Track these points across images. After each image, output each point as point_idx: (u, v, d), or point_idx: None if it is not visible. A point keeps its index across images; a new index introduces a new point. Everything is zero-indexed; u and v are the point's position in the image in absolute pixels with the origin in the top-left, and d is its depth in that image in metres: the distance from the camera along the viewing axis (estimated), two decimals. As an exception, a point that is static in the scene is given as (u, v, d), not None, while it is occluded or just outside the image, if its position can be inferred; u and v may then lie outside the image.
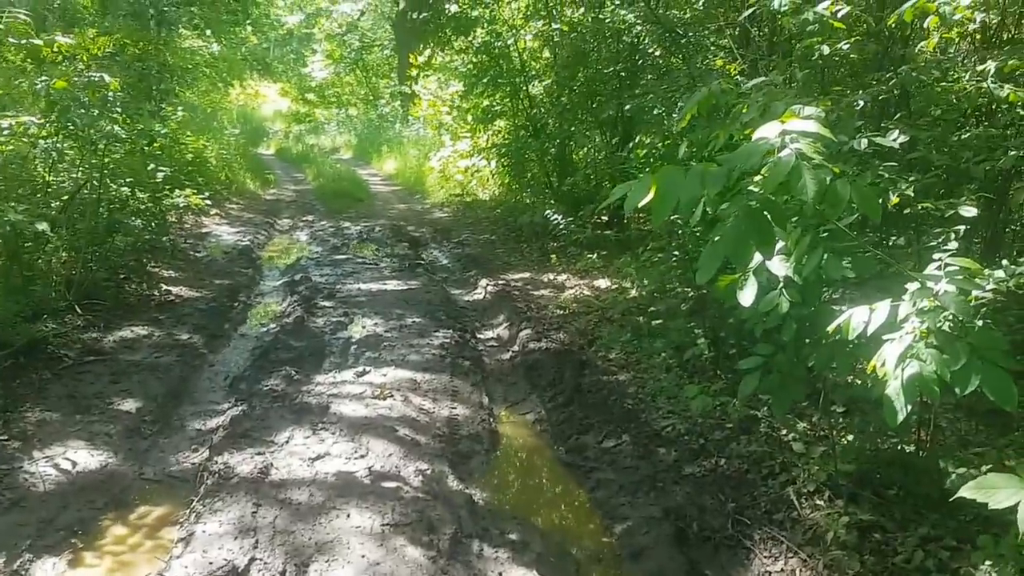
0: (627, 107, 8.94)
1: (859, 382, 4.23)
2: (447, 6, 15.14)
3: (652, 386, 5.92)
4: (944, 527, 3.77)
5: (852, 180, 2.61)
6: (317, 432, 5.19)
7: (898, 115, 4.60)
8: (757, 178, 2.81)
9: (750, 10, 5.17)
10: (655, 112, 8.60)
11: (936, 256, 2.96)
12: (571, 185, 11.47)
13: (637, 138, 10.08)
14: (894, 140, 3.71)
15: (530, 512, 4.66)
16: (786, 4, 4.55)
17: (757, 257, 3.06)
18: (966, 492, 2.14)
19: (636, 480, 4.72)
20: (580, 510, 4.70)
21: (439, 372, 6.41)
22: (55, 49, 6.36)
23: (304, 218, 14.29)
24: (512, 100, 12.86)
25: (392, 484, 4.54)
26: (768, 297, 3.39)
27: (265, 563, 3.78)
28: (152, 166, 9.36)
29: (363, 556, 3.85)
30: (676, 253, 6.51)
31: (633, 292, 7.98)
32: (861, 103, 4.42)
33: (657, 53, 9.21)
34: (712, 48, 8.68)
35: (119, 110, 7.94)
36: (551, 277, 9.42)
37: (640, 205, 2.67)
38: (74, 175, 7.57)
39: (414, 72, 17.57)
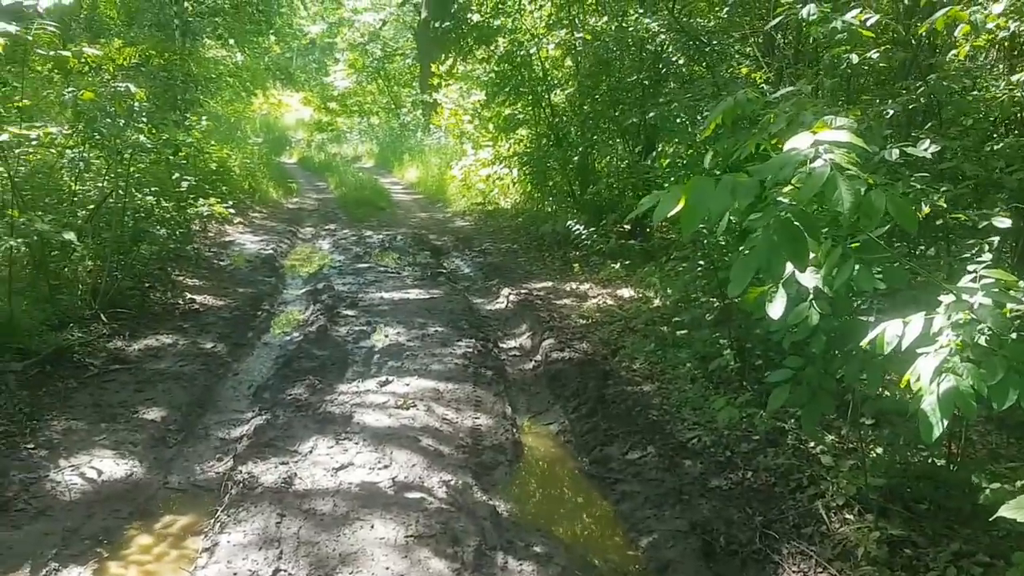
0: (650, 115, 8.90)
1: (888, 394, 4.18)
2: (469, 16, 15.17)
3: (677, 397, 5.87)
4: (977, 543, 3.71)
5: (887, 191, 2.57)
6: (340, 442, 5.19)
7: (928, 125, 4.54)
8: (786, 189, 2.77)
9: (777, 19, 5.12)
10: (679, 121, 8.57)
11: (970, 268, 2.91)
12: (593, 194, 11.43)
13: (660, 147, 10.05)
14: (925, 150, 3.66)
15: (554, 524, 4.63)
16: (814, 13, 4.50)
17: (787, 268, 3.01)
18: (1006, 512, 2.10)
19: (662, 492, 4.67)
20: (605, 523, 4.66)
21: (462, 382, 6.39)
22: (82, 60, 6.41)
23: (326, 227, 14.33)
24: (534, 109, 12.85)
25: (416, 495, 4.53)
26: (798, 309, 3.34)
27: (289, 574, 3.77)
28: (177, 175, 9.44)
29: (387, 568, 3.84)
30: (701, 263, 6.46)
31: (657, 302, 7.94)
32: (890, 112, 4.37)
33: (681, 61, 9.17)
34: (737, 56, 8.64)
35: (145, 120, 8.01)
36: (573, 286, 9.39)
37: (669, 216, 2.65)
38: (99, 184, 7.63)
39: (436, 81, 17.63)
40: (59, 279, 7.04)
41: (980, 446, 4.56)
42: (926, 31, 4.27)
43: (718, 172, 5.33)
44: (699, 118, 7.56)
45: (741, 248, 2.75)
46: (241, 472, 4.78)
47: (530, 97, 12.66)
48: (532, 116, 12.99)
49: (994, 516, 2.18)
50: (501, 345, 7.78)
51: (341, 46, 32.99)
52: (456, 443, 5.32)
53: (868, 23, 4.46)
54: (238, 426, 5.70)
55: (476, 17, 14.68)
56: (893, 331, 2.73)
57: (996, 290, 2.67)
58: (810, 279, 3.20)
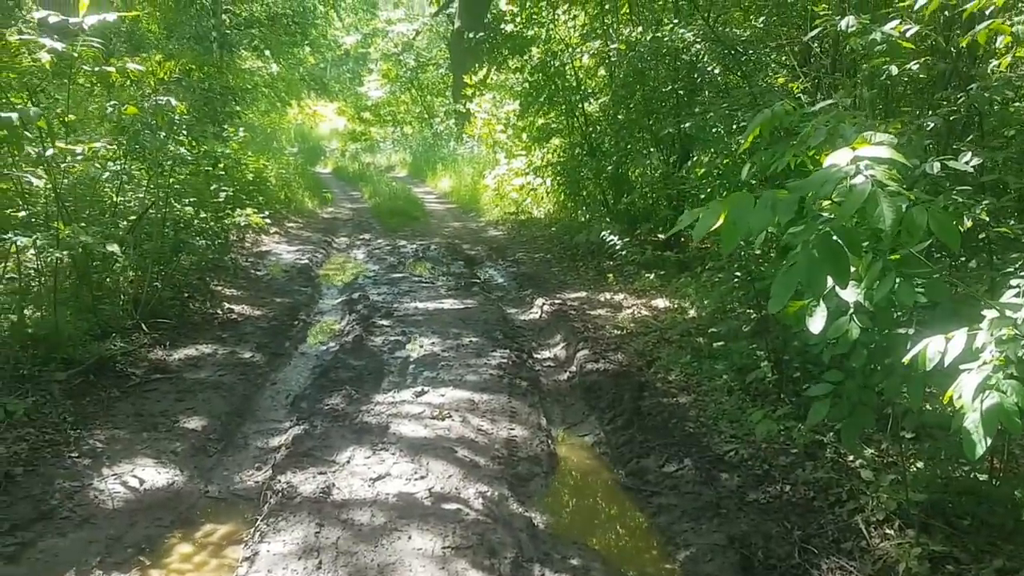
0: (686, 125, 8.88)
1: (929, 408, 4.14)
2: (503, 26, 15.24)
3: (713, 409, 5.85)
4: (1021, 559, 3.66)
5: (928, 207, 2.56)
6: (377, 452, 5.22)
7: (970, 137, 4.50)
8: (826, 204, 2.77)
9: (816, 31, 5.10)
10: (714, 131, 8.55)
11: (1014, 283, 2.88)
12: (627, 204, 11.42)
13: (695, 157, 10.02)
14: (967, 163, 3.63)
15: (591, 537, 4.62)
16: (853, 25, 4.48)
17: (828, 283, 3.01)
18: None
19: (699, 506, 4.65)
20: (642, 535, 4.65)
21: (497, 392, 6.41)
22: (124, 75, 6.53)
23: (361, 236, 14.45)
24: (568, 118, 12.88)
25: (453, 506, 4.54)
26: (838, 323, 3.33)
27: (329, 585, 3.81)
28: (215, 186, 9.57)
29: (425, 579, 3.86)
30: (737, 274, 6.43)
31: (692, 313, 7.91)
32: (930, 124, 4.34)
33: (716, 71, 9.14)
34: (773, 66, 8.60)
35: (185, 132, 8.14)
36: (608, 297, 9.38)
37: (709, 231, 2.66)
38: (140, 196, 7.76)
39: (469, 91, 17.72)
40: (101, 289, 7.16)
41: (1023, 460, 4.50)
42: (964, 44, 4.23)
43: (755, 182, 5.34)
44: (735, 127, 7.54)
45: (782, 264, 2.75)
46: (280, 482, 4.82)
47: (564, 107, 12.70)
48: (566, 125, 13.03)
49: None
50: (535, 356, 7.79)
51: (375, 56, 33.30)
52: (492, 454, 5.33)
53: (908, 34, 4.44)
54: (276, 435, 5.76)
55: (510, 27, 14.72)
56: (935, 347, 2.72)
57: (1041, 306, 2.64)
58: (850, 293, 3.19)
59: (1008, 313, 2.66)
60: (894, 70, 4.52)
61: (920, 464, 4.43)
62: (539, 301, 9.48)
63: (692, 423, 5.73)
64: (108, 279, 7.33)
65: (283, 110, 26.32)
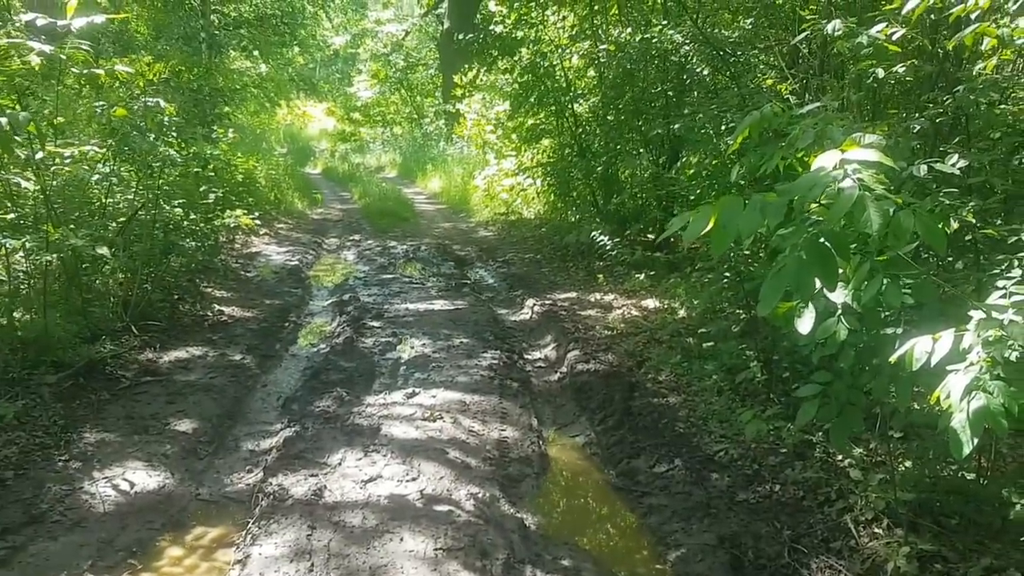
0: (675, 126, 8.91)
1: (917, 407, 4.17)
2: (492, 27, 15.25)
3: (704, 409, 5.88)
4: (1008, 558, 3.69)
5: (915, 210, 2.58)
6: (369, 454, 5.23)
7: (956, 139, 4.54)
8: (814, 207, 2.79)
9: (803, 34, 5.14)
10: (703, 132, 8.58)
11: (1000, 284, 2.91)
12: (617, 204, 11.45)
13: (684, 157, 10.06)
14: (953, 165, 3.66)
15: (582, 537, 4.64)
16: (840, 29, 4.52)
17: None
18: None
19: (689, 506, 4.68)
20: (633, 536, 4.67)
21: (488, 393, 6.43)
22: (113, 77, 6.52)
23: (351, 237, 14.44)
24: (557, 119, 12.90)
25: (444, 507, 4.56)
26: (826, 324, 3.35)
27: (321, 587, 3.82)
28: (204, 188, 9.55)
29: (417, 581, 3.87)
30: (727, 274, 6.47)
31: (682, 313, 7.94)
32: (917, 127, 4.38)
33: (705, 72, 9.18)
34: (761, 67, 8.64)
35: (175, 134, 8.12)
36: (598, 297, 9.40)
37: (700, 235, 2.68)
38: (129, 198, 7.74)
39: (458, 91, 17.72)
40: (91, 292, 7.14)
41: (1011, 459, 4.54)
42: (950, 47, 4.27)
43: (743, 183, 5.37)
44: (723, 128, 7.57)
45: (771, 266, 2.78)
46: (271, 484, 4.83)
47: (553, 107, 12.72)
48: (555, 126, 13.05)
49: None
50: (526, 356, 7.81)
51: (364, 57, 33.25)
52: (483, 455, 5.35)
53: (894, 37, 4.47)
54: (267, 438, 5.76)
55: (499, 28, 14.72)
56: (922, 347, 2.74)
57: (1027, 307, 2.67)
58: (838, 295, 3.22)
59: (995, 314, 2.68)
60: (881, 73, 4.56)
61: (908, 463, 4.47)
62: (529, 302, 9.50)
63: (682, 423, 5.75)
64: (98, 281, 7.31)
65: (272, 111, 26.26)
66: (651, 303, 8.80)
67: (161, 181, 7.93)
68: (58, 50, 5.93)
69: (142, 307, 7.45)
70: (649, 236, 10.77)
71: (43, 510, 4.44)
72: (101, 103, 7.02)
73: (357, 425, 5.70)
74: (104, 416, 5.69)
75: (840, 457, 4.80)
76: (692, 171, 8.93)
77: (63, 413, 5.57)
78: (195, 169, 9.23)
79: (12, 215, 6.41)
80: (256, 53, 22.76)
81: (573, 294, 9.71)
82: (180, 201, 8.44)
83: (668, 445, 5.44)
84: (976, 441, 2.54)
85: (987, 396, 2.55)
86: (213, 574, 4.15)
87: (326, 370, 6.90)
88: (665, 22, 9.48)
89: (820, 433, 5.03)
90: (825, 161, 2.68)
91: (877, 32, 4.47)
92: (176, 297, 8.32)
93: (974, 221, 3.52)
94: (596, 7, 12.09)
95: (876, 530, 4.11)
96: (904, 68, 4.63)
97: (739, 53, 8.56)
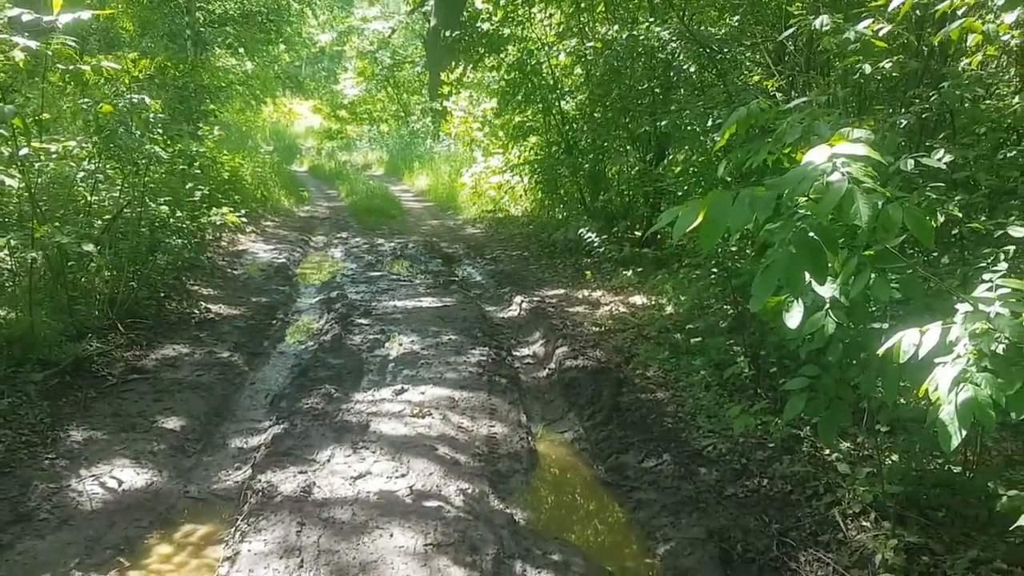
0: (662, 123, 8.93)
1: (904, 401, 4.20)
2: (479, 24, 15.23)
3: (691, 405, 5.90)
4: (994, 550, 3.73)
5: (904, 204, 2.60)
6: (358, 450, 5.23)
7: (942, 135, 4.57)
8: (803, 200, 2.80)
9: (790, 30, 5.16)
10: (690, 128, 8.60)
11: (986, 277, 2.93)
12: (605, 201, 11.47)
13: (671, 154, 10.08)
14: (940, 160, 3.68)
15: (572, 532, 4.66)
16: (827, 24, 4.53)
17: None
18: (1026, 521, 2.11)
19: (678, 500, 4.70)
20: (622, 530, 4.69)
21: (476, 390, 6.43)
22: (99, 73, 6.47)
23: (338, 235, 14.40)
24: (544, 116, 12.91)
25: (433, 503, 4.56)
26: (814, 318, 3.36)
27: (311, 583, 3.81)
28: (190, 185, 9.51)
29: (407, 576, 3.87)
30: (715, 271, 6.48)
31: (670, 309, 7.96)
32: (903, 122, 4.40)
33: (692, 69, 9.20)
34: (748, 64, 8.67)
35: (160, 131, 8.08)
36: (586, 294, 9.42)
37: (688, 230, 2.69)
38: (114, 195, 7.70)
39: (445, 89, 17.70)
40: (77, 290, 7.10)
41: (996, 452, 4.58)
42: (936, 42, 4.30)
43: (729, 180, 5.39)
44: (710, 125, 7.59)
45: (761, 261, 2.79)
46: (260, 481, 4.82)
47: (540, 105, 12.73)
48: (543, 123, 13.06)
49: (1014, 526, 2.20)
50: (515, 353, 7.81)
51: (350, 54, 33.17)
52: (472, 451, 5.35)
53: (881, 33, 4.50)
54: (256, 435, 5.75)
55: (486, 26, 14.71)
56: (910, 340, 2.75)
57: (1013, 300, 2.69)
58: (826, 289, 3.23)
59: (981, 307, 2.70)
60: (867, 68, 4.57)
61: (895, 457, 4.49)
62: (517, 299, 9.50)
63: (670, 419, 5.77)
64: (83, 279, 7.27)
65: (258, 108, 26.16)
66: (639, 299, 8.82)
67: (147, 179, 7.89)
68: (43, 46, 5.89)
69: (128, 305, 7.41)
70: (636, 233, 10.80)
71: (30, 508, 4.41)
72: (86, 100, 6.97)
73: (346, 422, 5.69)
74: (91, 414, 5.65)
75: (828, 451, 4.82)
76: (679, 168, 8.94)
77: (49, 411, 5.54)
78: (181, 166, 9.19)
79: (-3, 212, 6.38)
80: (242, 50, 22.67)
81: (561, 291, 9.72)
82: (166, 199, 8.40)
83: (656, 440, 5.46)
84: (964, 433, 2.56)
85: (975, 388, 2.57)
86: (202, 571, 4.14)
87: (314, 367, 6.88)
88: (651, 19, 9.49)
89: (808, 428, 5.05)
90: (814, 155, 2.69)
91: (864, 28, 4.49)
92: (163, 295, 8.28)
93: (960, 215, 3.54)
94: (582, 4, 12.11)
95: (864, 523, 4.13)
96: (891, 64, 4.65)
97: (725, 50, 8.58)
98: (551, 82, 12.56)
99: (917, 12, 4.89)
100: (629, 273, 9.60)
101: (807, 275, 2.75)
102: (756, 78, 7.55)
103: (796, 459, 4.85)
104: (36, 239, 5.97)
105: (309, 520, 4.36)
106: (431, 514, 4.43)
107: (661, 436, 5.52)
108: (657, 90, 10.23)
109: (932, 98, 4.52)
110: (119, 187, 7.73)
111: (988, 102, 4.57)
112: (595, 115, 11.98)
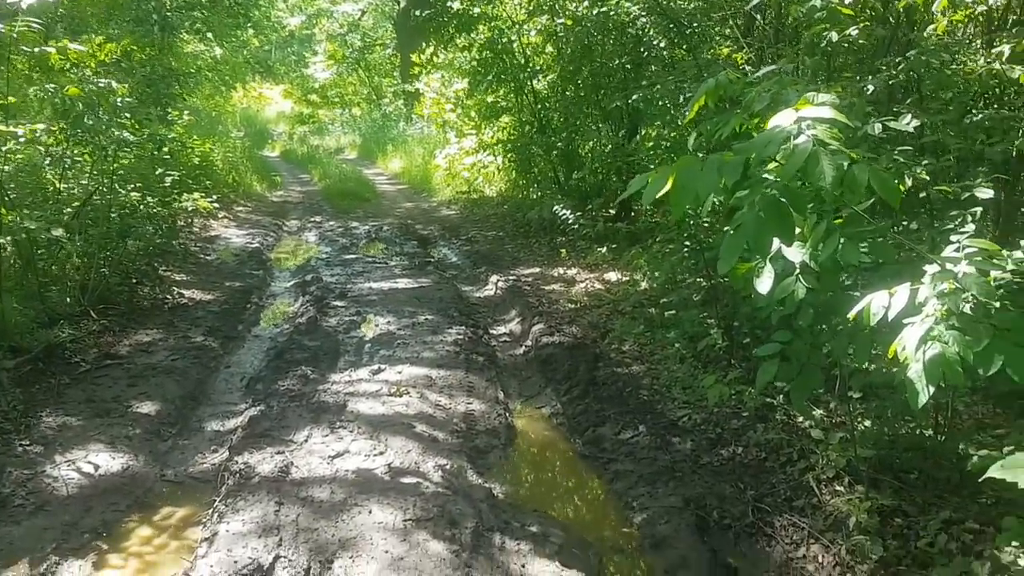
0: (633, 99, 8.93)
1: (875, 367, 4.24)
2: (449, 4, 15.14)
3: (666, 377, 5.93)
4: (966, 510, 3.78)
5: (870, 165, 2.61)
6: (335, 430, 5.22)
7: (909, 100, 4.60)
8: (771, 166, 2.82)
9: (758, 0, 5.17)
10: (661, 104, 8.60)
11: (954, 238, 2.96)
12: (578, 179, 11.47)
13: (643, 131, 10.08)
14: (907, 124, 3.71)
15: (550, 505, 4.68)
16: (794, -8, 4.55)
17: (775, 244, 3.06)
18: (995, 472, 2.14)
19: (654, 471, 4.73)
20: (599, 501, 4.72)
21: (454, 368, 6.43)
22: (64, 56, 6.38)
23: (312, 219, 14.32)
24: (516, 96, 12.87)
25: (412, 480, 4.57)
26: (784, 283, 3.38)
27: (290, 560, 3.81)
28: (160, 171, 9.41)
29: (387, 551, 3.88)
30: (687, 244, 6.51)
31: (644, 284, 7.99)
32: (871, 88, 4.43)
33: (662, 44, 9.19)
34: (717, 38, 8.67)
35: (128, 116, 7.99)
36: (561, 271, 9.43)
37: (657, 197, 2.69)
38: (83, 182, 7.61)
39: (417, 70, 17.59)
40: (48, 276, 7.03)
41: (966, 417, 4.63)
42: (904, 6, 4.32)
43: (700, 154, 5.40)
44: (681, 99, 7.60)
45: (728, 227, 2.80)
46: (237, 463, 4.80)
47: (512, 84, 12.68)
48: (515, 103, 13.02)
49: (983, 477, 2.23)
50: (491, 331, 7.82)
51: (320, 37, 32.86)
52: (450, 428, 5.36)
53: (846, 1, 4.52)
54: (232, 418, 5.72)
55: (456, 5, 14.62)
56: (879, 302, 2.78)
57: (980, 259, 2.72)
58: (796, 254, 3.25)
59: (948, 267, 2.73)
60: (834, 36, 4.59)
61: (868, 423, 4.54)
62: (493, 278, 9.50)
63: (646, 391, 5.81)
64: (54, 266, 7.19)
65: (228, 94, 25.85)
66: (613, 276, 8.85)
67: (116, 164, 7.81)
68: (7, 28, 5.79)
69: (100, 291, 7.34)
70: (610, 210, 10.82)
71: (4, 494, 4.37)
72: (52, 85, 6.87)
73: (323, 402, 5.68)
74: (64, 400, 5.61)
75: (801, 418, 4.86)
76: (651, 143, 8.94)
77: (22, 398, 5.48)
78: (151, 151, 9.09)
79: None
80: (210, 35, 22.38)
81: (536, 269, 9.73)
82: (136, 184, 8.32)
83: (632, 412, 5.49)
84: (932, 390, 2.59)
85: (943, 345, 2.60)
86: (182, 552, 4.13)
87: (290, 349, 6.85)
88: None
89: (781, 396, 5.10)
90: (780, 119, 2.70)
91: (830, -4, 4.50)
92: (135, 281, 8.21)
93: (928, 179, 3.57)
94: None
95: (838, 488, 4.18)
96: (857, 31, 4.67)
97: (695, 24, 8.58)
98: (522, 61, 12.52)
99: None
100: (603, 250, 9.62)
101: (775, 239, 2.75)
102: (726, 51, 7.55)
103: (770, 427, 4.89)
104: (4, 225, 5.89)
105: (287, 500, 4.35)
106: (410, 490, 4.44)
107: (637, 408, 5.55)
108: (628, 66, 10.23)
109: (900, 67, 4.55)
110: (88, 173, 7.64)
111: (954, 67, 4.59)
112: (567, 93, 11.97)
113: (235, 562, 3.81)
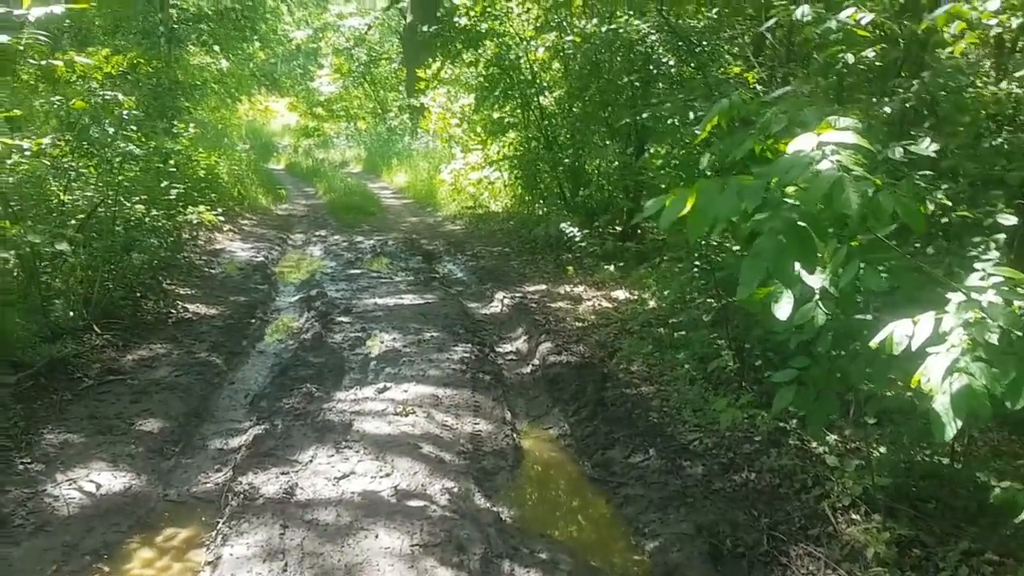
0: (642, 116, 8.89)
1: (890, 393, 4.17)
2: (456, 19, 15.13)
3: (676, 399, 5.86)
4: (986, 541, 3.71)
5: (894, 192, 2.56)
6: (341, 450, 5.15)
7: (927, 124, 4.54)
8: (791, 190, 2.76)
9: (771, 20, 5.12)
10: (670, 122, 8.56)
11: (977, 266, 2.90)
12: (585, 196, 11.42)
13: (651, 148, 10.04)
14: (927, 148, 3.65)
15: (559, 529, 4.61)
16: (808, 14, 4.50)
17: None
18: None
19: (665, 496, 4.66)
20: (609, 527, 4.64)
21: (460, 387, 6.36)
22: (71, 69, 6.35)
23: (317, 232, 14.27)
24: (523, 111, 12.84)
25: (419, 503, 4.50)
26: (803, 309, 3.33)
27: (295, 586, 3.74)
28: (166, 183, 9.37)
29: (393, 578, 3.81)
30: (697, 264, 6.45)
31: (652, 303, 7.93)
32: (887, 110, 4.38)
33: (671, 63, 9.16)
34: (727, 56, 8.64)
35: (134, 128, 7.95)
36: (568, 289, 9.37)
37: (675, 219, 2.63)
38: (88, 194, 7.57)
39: (423, 85, 17.58)
40: (51, 290, 6.96)
41: (981, 443, 4.57)
42: (921, 28, 4.27)
43: (710, 174, 5.35)
44: (691, 118, 7.55)
45: (749, 251, 2.74)
46: (241, 483, 4.73)
47: (519, 100, 12.65)
48: (521, 119, 12.98)
49: (1019, 519, 2.16)
50: (497, 349, 7.75)
51: (326, 51, 32.91)
52: (457, 449, 5.29)
53: (863, 22, 4.47)
54: (236, 436, 5.65)
55: (463, 21, 14.60)
56: (903, 331, 2.72)
57: (1006, 288, 2.66)
58: (816, 279, 3.19)
59: (974, 296, 2.67)
60: (850, 58, 4.55)
61: (883, 449, 4.47)
62: (499, 295, 9.44)
63: (656, 413, 5.73)
64: (57, 279, 7.13)
65: (233, 106, 25.89)
66: (621, 294, 8.79)
67: (121, 177, 7.76)
68: (14, 42, 5.76)
69: (104, 305, 7.28)
70: (618, 227, 10.76)
71: (4, 514, 4.30)
72: (59, 97, 6.84)
73: (328, 421, 5.62)
74: (66, 416, 5.54)
75: (815, 444, 4.79)
76: (660, 161, 8.89)
77: (24, 414, 5.42)
78: (156, 164, 9.04)
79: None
80: (216, 48, 22.45)
81: (543, 286, 9.66)
82: (141, 197, 8.27)
83: (642, 435, 5.42)
84: (960, 423, 2.53)
85: (970, 378, 2.54)
86: (185, 575, 4.06)
87: (295, 366, 6.79)
88: (630, 12, 9.44)
89: (794, 420, 5.03)
90: (802, 143, 2.65)
91: (846, 17, 4.46)
92: (139, 295, 8.14)
93: (949, 203, 3.51)
94: (560, -1, 12.05)
95: (854, 516, 4.11)
96: (873, 53, 4.62)
97: (704, 43, 8.55)
98: (529, 77, 12.49)
99: (900, 0, 4.88)
100: (611, 268, 9.57)
101: (796, 264, 2.69)
102: (736, 70, 7.52)
103: (783, 452, 4.82)
104: (7, 238, 5.85)
105: (292, 522, 4.28)
106: (417, 514, 4.37)
107: (647, 431, 5.48)
108: (636, 84, 10.19)
109: (914, 88, 4.50)
110: (93, 185, 7.59)
111: (970, 91, 4.55)
112: (574, 109, 11.93)
113: (239, 587, 3.74)
